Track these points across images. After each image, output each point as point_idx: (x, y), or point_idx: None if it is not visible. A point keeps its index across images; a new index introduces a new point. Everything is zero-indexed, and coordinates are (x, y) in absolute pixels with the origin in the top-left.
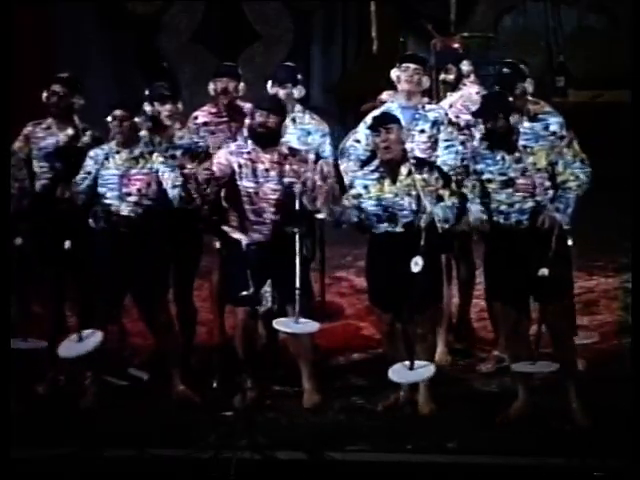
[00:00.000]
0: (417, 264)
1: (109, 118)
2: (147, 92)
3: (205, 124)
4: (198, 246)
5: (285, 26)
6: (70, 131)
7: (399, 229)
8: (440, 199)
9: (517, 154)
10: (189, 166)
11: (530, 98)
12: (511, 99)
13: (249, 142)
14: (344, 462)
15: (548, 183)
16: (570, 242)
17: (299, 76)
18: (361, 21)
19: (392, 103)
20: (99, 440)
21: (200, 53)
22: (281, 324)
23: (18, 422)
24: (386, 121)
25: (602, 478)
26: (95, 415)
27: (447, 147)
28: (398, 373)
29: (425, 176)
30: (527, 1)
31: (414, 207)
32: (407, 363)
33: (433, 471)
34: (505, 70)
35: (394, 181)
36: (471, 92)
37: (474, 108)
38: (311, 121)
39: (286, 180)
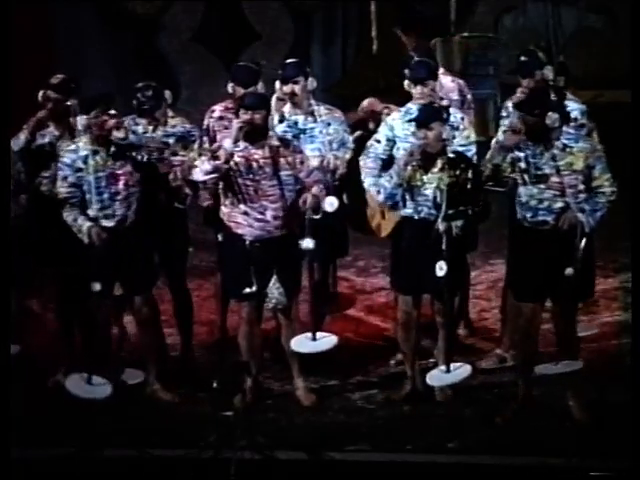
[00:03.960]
0: (442, 269)
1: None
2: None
3: (220, 118)
4: (185, 240)
5: (285, 26)
6: (61, 131)
7: (420, 216)
8: (461, 202)
9: (555, 151)
10: (181, 153)
11: (552, 84)
12: (553, 97)
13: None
14: (344, 462)
15: (582, 186)
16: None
17: (308, 69)
18: (361, 21)
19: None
20: (99, 440)
21: (200, 53)
22: (298, 344)
23: (18, 422)
24: (429, 120)
25: (603, 478)
26: (95, 415)
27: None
28: (436, 378)
29: (458, 173)
30: (527, 1)
31: (438, 200)
32: (443, 367)
33: (433, 471)
34: (523, 58)
35: (426, 171)
36: (446, 81)
37: (454, 96)
38: (326, 112)
39: (282, 174)
